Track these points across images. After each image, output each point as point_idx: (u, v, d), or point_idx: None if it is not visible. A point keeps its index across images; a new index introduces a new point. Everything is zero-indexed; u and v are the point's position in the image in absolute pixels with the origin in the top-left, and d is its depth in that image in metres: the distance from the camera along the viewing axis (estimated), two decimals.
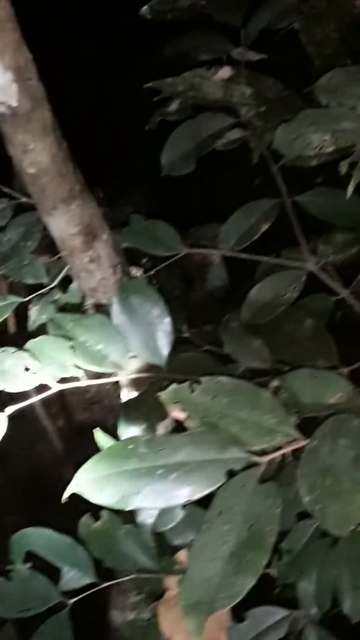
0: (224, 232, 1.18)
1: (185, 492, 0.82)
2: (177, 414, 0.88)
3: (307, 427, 0.87)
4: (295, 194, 1.20)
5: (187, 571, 0.80)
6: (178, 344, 1.29)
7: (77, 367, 1.05)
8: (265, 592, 1.16)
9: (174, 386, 0.88)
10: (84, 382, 1.06)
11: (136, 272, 1.33)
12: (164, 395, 0.88)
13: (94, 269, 1.16)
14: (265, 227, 1.17)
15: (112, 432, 1.07)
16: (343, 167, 0.92)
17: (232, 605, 0.77)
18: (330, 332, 1.15)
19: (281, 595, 1.16)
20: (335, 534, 0.77)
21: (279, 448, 0.85)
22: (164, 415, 1.03)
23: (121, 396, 1.24)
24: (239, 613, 1.15)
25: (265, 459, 0.83)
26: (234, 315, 1.19)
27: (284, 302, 1.15)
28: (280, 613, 1.14)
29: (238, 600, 0.77)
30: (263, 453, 0.84)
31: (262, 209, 1.17)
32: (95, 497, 0.83)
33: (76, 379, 1.05)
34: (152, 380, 1.10)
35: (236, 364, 1.17)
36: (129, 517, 1.18)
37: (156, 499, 0.83)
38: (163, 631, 1.16)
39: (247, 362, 1.15)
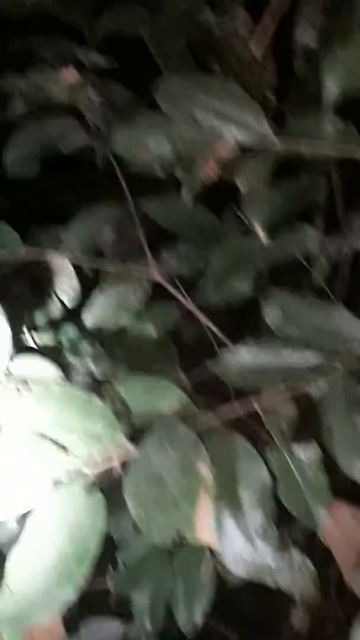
0: (67, 237, 1.16)
1: (10, 506, 0.79)
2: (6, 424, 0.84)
3: (140, 436, 0.85)
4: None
5: (3, 585, 0.76)
6: (22, 350, 1.26)
7: None
8: (101, 604, 1.14)
9: (2, 394, 0.85)
10: None
11: None
12: None
13: None
14: (109, 231, 1.15)
15: None
16: (180, 175, 0.91)
17: (50, 619, 0.74)
18: (176, 343, 1.14)
19: (117, 607, 1.14)
20: (159, 544, 0.76)
21: (110, 458, 0.84)
22: None
23: None
24: (73, 625, 1.12)
25: (93, 469, 0.81)
26: (77, 324, 1.17)
27: (127, 310, 1.13)
28: (114, 625, 1.12)
29: (57, 614, 0.74)
30: (92, 463, 0.82)
31: (106, 213, 1.15)
32: None
33: None
34: None
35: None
36: None
37: None
38: None
39: (88, 369, 1.13)
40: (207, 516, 0.76)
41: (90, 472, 0.81)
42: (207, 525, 0.75)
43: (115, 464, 0.83)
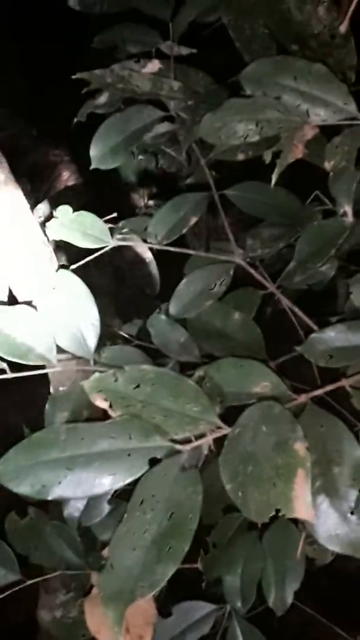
0: (152, 226, 1.18)
1: (106, 481, 0.82)
2: (101, 403, 0.87)
3: (231, 416, 0.87)
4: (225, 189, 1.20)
5: (107, 561, 0.79)
6: (108, 338, 1.28)
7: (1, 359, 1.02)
8: (193, 587, 1.16)
9: (97, 375, 0.88)
10: (9, 375, 1.04)
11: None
12: (87, 384, 0.87)
13: None
14: (194, 220, 1.16)
15: None
16: (267, 156, 0.92)
17: (152, 593, 0.76)
18: (258, 326, 1.15)
19: (208, 590, 1.16)
20: (256, 520, 0.77)
21: (202, 437, 0.85)
22: (90, 407, 1.02)
23: (50, 391, 1.22)
24: (165, 608, 1.14)
25: (188, 447, 0.83)
26: (162, 309, 1.19)
27: (212, 296, 1.15)
28: (206, 608, 1.13)
29: (159, 588, 0.76)
30: (186, 442, 0.84)
31: (191, 202, 1.17)
32: (16, 486, 0.82)
33: (2, 371, 1.03)
34: (80, 373, 1.09)
35: (166, 358, 1.17)
36: (56, 513, 1.16)
37: (77, 488, 0.82)
38: (89, 628, 1.14)
39: (175, 355, 1.14)
40: (304, 493, 0.76)
41: (185, 450, 0.83)
42: (304, 502, 0.76)
43: (209, 443, 0.85)
